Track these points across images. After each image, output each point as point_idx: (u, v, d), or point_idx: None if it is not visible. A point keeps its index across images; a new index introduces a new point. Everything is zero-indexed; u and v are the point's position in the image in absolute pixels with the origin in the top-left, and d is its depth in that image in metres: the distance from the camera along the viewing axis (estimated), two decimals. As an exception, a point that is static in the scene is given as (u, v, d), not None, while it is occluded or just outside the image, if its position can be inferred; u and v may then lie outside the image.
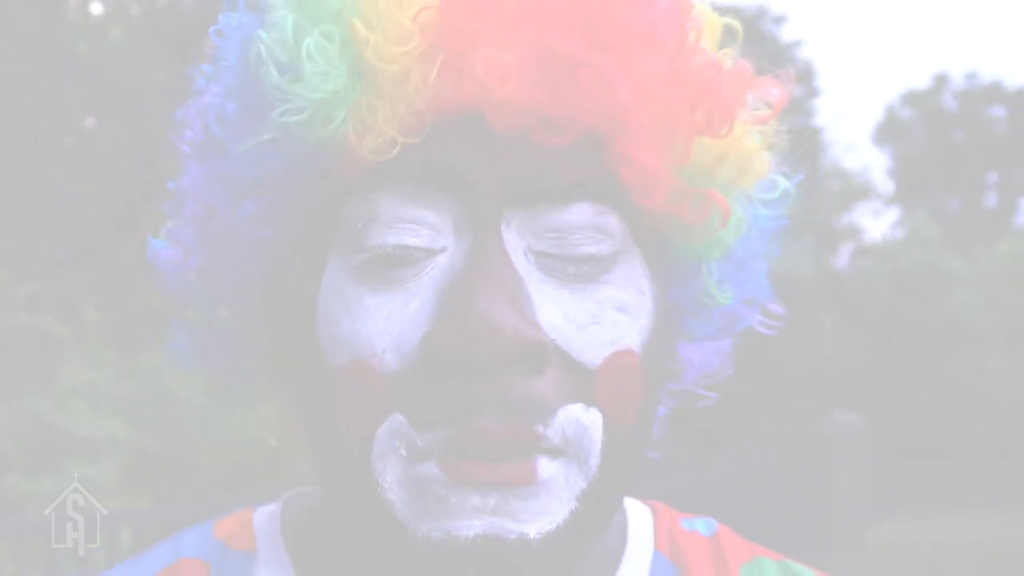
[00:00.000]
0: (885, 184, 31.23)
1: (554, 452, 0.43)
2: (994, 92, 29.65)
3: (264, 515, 0.57)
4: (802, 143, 0.50)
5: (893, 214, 30.36)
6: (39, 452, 5.61)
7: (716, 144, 0.46)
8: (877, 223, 40.04)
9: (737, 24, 0.48)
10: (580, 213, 0.45)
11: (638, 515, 0.57)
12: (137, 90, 10.48)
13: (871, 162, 43.73)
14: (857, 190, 28.05)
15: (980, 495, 15.59)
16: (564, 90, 0.43)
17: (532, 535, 0.42)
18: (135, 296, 8.81)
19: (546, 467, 0.43)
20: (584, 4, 0.43)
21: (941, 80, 30.00)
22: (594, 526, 0.46)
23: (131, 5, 13.59)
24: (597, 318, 0.45)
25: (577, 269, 0.45)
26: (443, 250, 0.44)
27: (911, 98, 30.36)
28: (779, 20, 20.42)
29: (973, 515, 14.09)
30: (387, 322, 0.43)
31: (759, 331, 0.56)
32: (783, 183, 0.52)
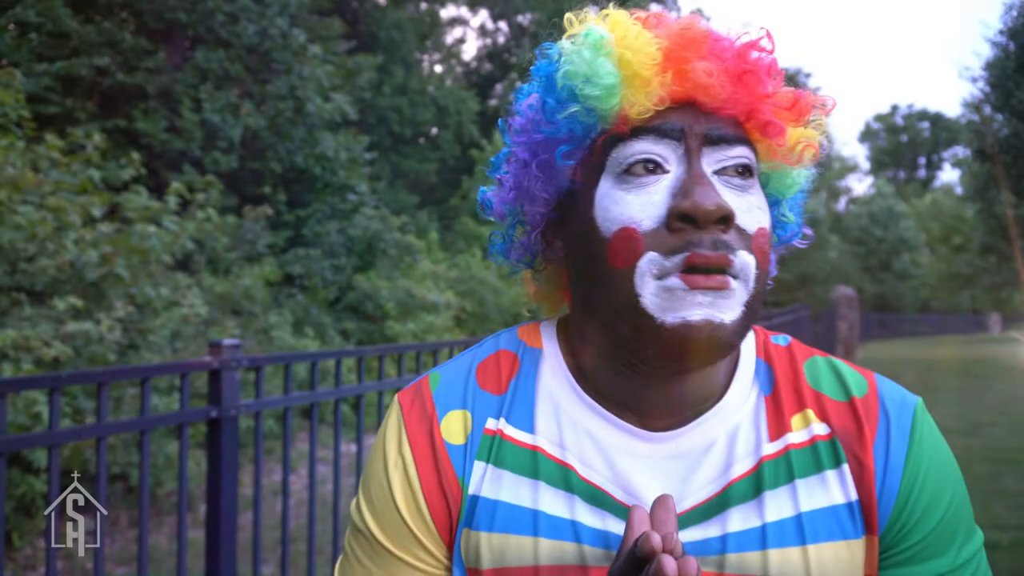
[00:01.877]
0: (864, 164, 60.00)
1: (735, 275, 0.68)
2: (922, 115, 58.92)
3: (546, 325, 0.84)
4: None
5: (868, 180, 58.76)
6: (407, 307, 8.88)
7: (799, 130, 0.75)
8: (860, 185, 59.53)
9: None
10: (741, 150, 0.72)
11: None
12: (458, 112, 18.09)
13: (857, 151, 66.55)
14: (849, 167, 54.78)
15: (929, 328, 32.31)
16: (736, 85, 0.70)
17: (727, 321, 0.67)
18: (457, 223, 12.80)
19: (732, 283, 0.68)
20: (738, 49, 0.72)
21: (895, 108, 60.44)
22: (749, 321, 0.70)
23: (456, 66, 21.38)
24: (750, 209, 0.71)
25: (737, 181, 0.71)
26: (669, 172, 0.70)
27: (878, 117, 60.95)
28: (808, 75, 35.57)
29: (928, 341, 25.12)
30: (641, 206, 0.69)
31: (798, 244, 0.84)
32: (807, 172, 0.80)
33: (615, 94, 0.69)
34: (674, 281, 0.67)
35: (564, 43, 0.74)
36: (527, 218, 0.80)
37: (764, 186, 0.76)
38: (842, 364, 0.80)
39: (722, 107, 0.70)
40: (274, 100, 10.43)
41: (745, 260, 0.68)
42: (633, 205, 0.69)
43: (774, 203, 0.78)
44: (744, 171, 0.71)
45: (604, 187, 0.71)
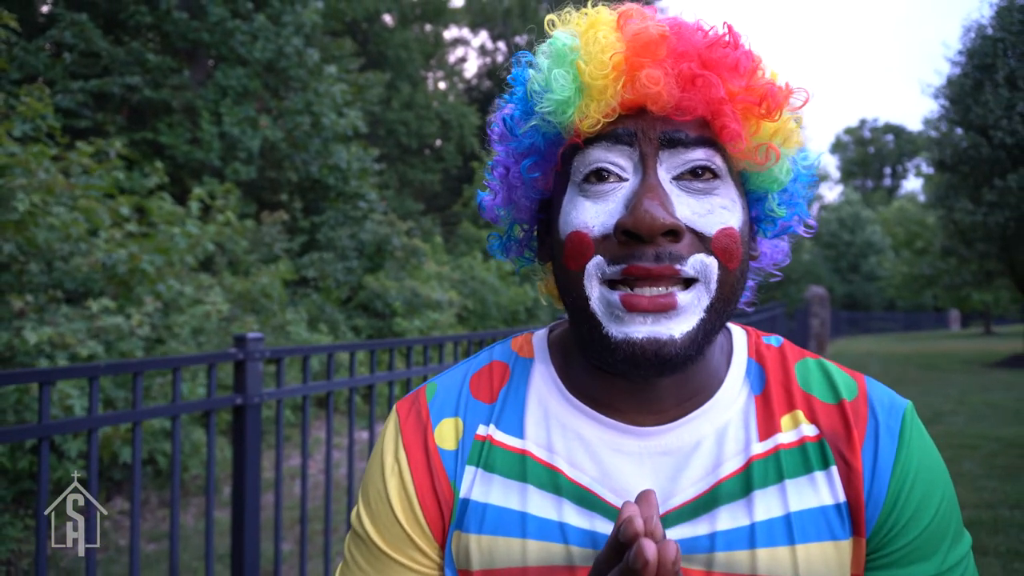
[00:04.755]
0: (835, 173, 62.29)
1: (688, 282, 0.63)
2: (888, 128, 60.99)
3: (538, 335, 0.80)
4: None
5: (838, 188, 61.14)
6: (414, 305, 8.88)
7: (772, 124, 0.68)
8: (831, 193, 63.35)
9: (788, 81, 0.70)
10: (700, 153, 0.66)
11: (739, 335, 0.78)
12: (460, 125, 19.17)
13: (828, 162, 73.16)
14: (820, 176, 56.52)
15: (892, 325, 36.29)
16: (688, 90, 0.64)
17: (676, 336, 0.63)
18: (459, 228, 12.80)
19: (683, 298, 0.63)
20: (700, 49, 0.65)
21: (863, 121, 62.79)
22: (713, 326, 0.66)
23: (458, 83, 21.72)
24: (711, 211, 0.65)
25: (697, 185, 0.66)
26: (627, 181, 0.66)
27: (847, 130, 63.29)
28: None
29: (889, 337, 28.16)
30: (596, 214, 0.66)
31: (801, 233, 0.77)
32: (813, 156, 0.75)
33: (570, 106, 0.65)
34: (615, 299, 0.64)
35: (538, 51, 0.70)
36: (518, 219, 0.78)
37: (745, 182, 0.71)
38: (833, 367, 0.75)
39: (675, 112, 0.65)
40: (291, 115, 10.43)
41: (703, 263, 0.64)
42: (589, 211, 0.66)
43: (759, 199, 0.73)
44: (705, 173, 0.66)
45: (569, 195, 0.69)
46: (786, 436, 0.70)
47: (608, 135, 0.66)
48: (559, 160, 0.71)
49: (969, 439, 6.51)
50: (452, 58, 25.49)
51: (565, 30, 0.69)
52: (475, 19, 24.93)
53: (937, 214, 15.88)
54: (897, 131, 59.87)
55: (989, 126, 12.81)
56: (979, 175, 13.42)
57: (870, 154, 61.30)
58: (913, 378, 11.72)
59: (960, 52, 13.91)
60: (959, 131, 13.88)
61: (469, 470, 0.72)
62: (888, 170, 61.93)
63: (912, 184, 61.51)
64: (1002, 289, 18.95)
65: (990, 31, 13.30)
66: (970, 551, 0.72)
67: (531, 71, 0.69)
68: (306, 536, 2.54)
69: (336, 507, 4.08)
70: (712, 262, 0.64)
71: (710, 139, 0.66)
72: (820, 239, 35.47)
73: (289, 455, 5.57)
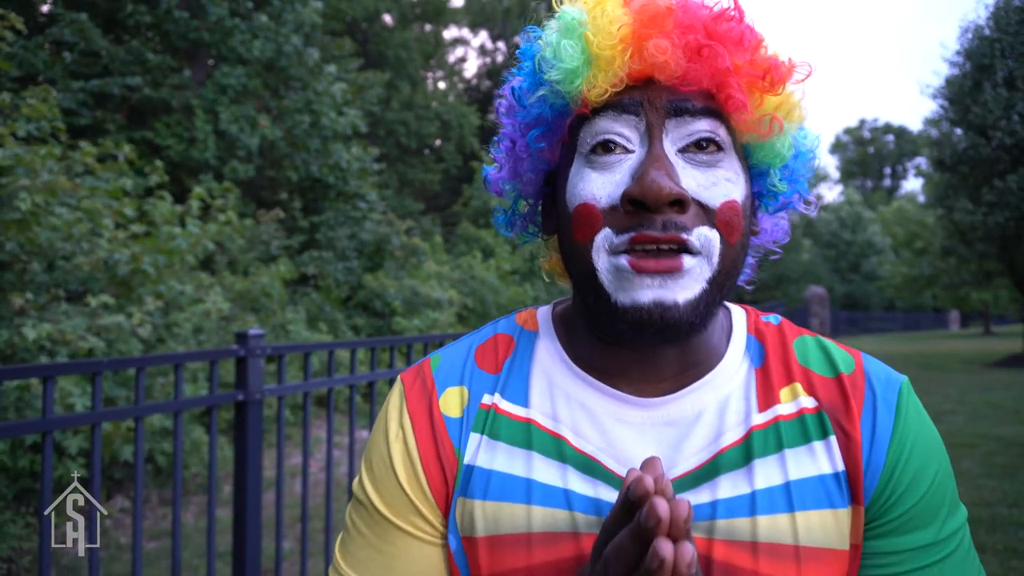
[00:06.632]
0: (834, 174, 63.43)
1: (693, 252, 0.64)
2: (887, 128, 62.11)
3: (543, 310, 0.81)
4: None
5: (838, 188, 61.63)
6: (413, 304, 8.89)
7: (775, 97, 0.69)
8: (830, 192, 63.28)
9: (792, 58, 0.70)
10: (705, 124, 0.67)
11: (738, 312, 0.80)
12: (460, 125, 19.14)
13: (828, 162, 73.48)
14: (820, 176, 62.41)
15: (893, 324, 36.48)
16: (694, 60, 0.66)
17: (680, 301, 0.64)
18: (459, 228, 12.81)
19: (688, 261, 0.64)
20: (705, 21, 0.66)
21: (862, 122, 63.75)
22: (715, 297, 0.67)
23: (458, 83, 22.05)
24: (716, 183, 0.66)
25: (701, 157, 0.67)
26: (634, 152, 0.67)
27: (847, 130, 63.90)
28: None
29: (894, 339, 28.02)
30: (603, 185, 0.66)
31: (801, 210, 0.78)
32: (813, 135, 0.76)
33: (578, 76, 0.66)
34: (623, 262, 0.64)
35: (547, 25, 0.71)
36: (523, 193, 0.79)
37: (748, 157, 0.72)
38: (830, 343, 0.77)
39: (681, 83, 0.66)
40: (291, 114, 10.44)
41: (706, 236, 0.65)
42: (596, 183, 0.67)
43: (761, 174, 0.74)
44: (709, 145, 0.67)
45: (576, 166, 0.69)
46: (785, 407, 0.71)
47: (615, 105, 0.67)
48: (566, 131, 0.71)
49: (969, 438, 6.52)
50: (452, 58, 25.51)
51: (573, 6, 0.69)
52: (475, 19, 24.95)
53: (937, 214, 15.90)
54: (897, 131, 60.40)
55: (988, 126, 12.84)
56: (979, 175, 13.44)
57: (870, 154, 61.69)
58: (913, 378, 11.61)
59: (958, 53, 13.93)
60: (958, 131, 13.90)
61: (474, 437, 0.72)
62: (888, 170, 62.40)
63: (912, 184, 62.02)
64: (1001, 289, 18.98)
65: (987, 32, 13.33)
66: (966, 523, 0.73)
67: (540, 42, 0.70)
68: (307, 534, 2.54)
69: (337, 505, 4.09)
70: (715, 235, 0.65)
71: (715, 110, 0.67)
72: (820, 239, 35.54)
73: (290, 454, 5.57)
